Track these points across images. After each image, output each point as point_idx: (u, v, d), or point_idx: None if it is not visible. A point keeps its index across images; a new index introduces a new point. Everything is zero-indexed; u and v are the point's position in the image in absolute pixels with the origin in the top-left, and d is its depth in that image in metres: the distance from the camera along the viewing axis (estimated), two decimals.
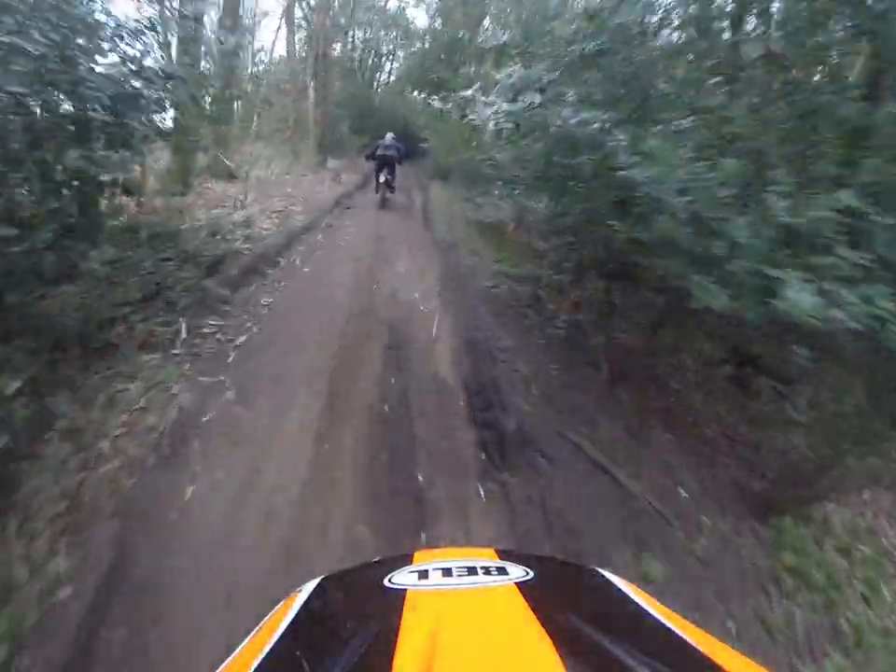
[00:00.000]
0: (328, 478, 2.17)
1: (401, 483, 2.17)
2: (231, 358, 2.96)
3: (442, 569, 0.62)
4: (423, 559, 0.67)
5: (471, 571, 0.61)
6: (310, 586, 0.65)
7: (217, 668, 0.50)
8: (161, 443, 2.19)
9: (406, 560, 0.67)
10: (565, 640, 0.44)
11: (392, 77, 20.52)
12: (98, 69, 2.56)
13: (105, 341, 2.67)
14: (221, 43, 6.75)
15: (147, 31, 3.02)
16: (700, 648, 0.47)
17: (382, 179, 8.37)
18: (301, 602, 0.61)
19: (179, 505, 1.96)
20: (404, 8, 18.03)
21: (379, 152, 8.47)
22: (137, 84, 2.75)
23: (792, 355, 2.21)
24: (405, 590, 0.57)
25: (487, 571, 0.61)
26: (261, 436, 2.33)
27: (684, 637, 0.49)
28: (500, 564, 0.63)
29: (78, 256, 2.44)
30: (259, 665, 0.47)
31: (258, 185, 7.23)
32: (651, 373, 3.25)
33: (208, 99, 6.62)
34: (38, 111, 2.28)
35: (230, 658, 0.52)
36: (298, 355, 3.07)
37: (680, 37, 3.33)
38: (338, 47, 14.81)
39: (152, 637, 1.54)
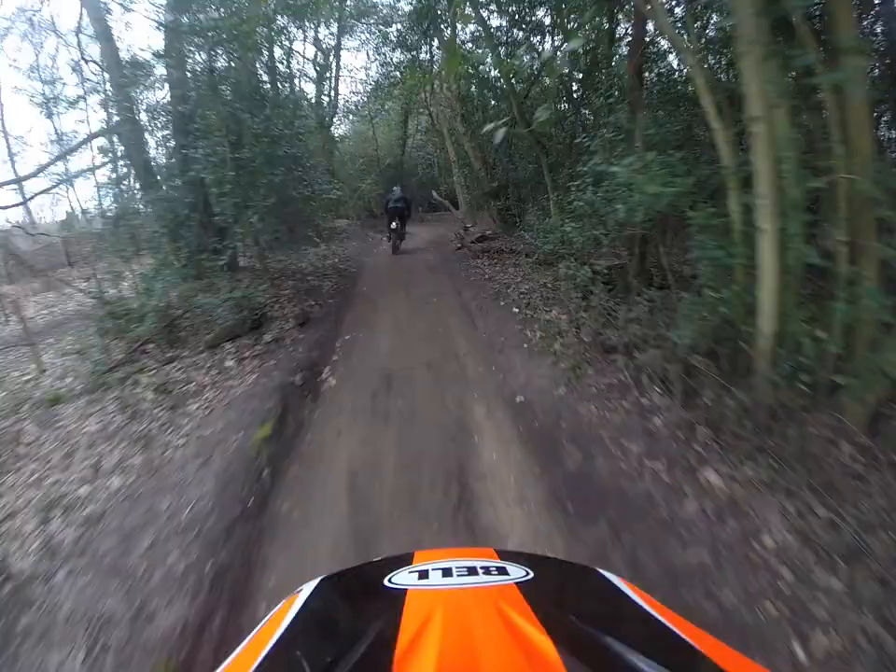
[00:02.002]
0: None
1: None
2: None
3: (442, 569, 0.62)
4: (423, 559, 0.66)
5: (471, 571, 0.61)
6: (310, 586, 0.65)
7: (218, 668, 0.49)
8: None
9: (406, 560, 0.67)
10: (565, 640, 0.43)
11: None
12: None
13: None
14: None
15: None
16: (700, 647, 0.46)
17: (393, 226, 10.39)
18: (301, 602, 0.61)
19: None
20: None
21: (390, 206, 10.57)
22: None
23: None
24: (405, 590, 0.57)
25: (487, 571, 0.61)
26: None
27: (684, 636, 0.49)
28: (500, 564, 0.63)
29: None
30: (258, 665, 0.47)
31: None
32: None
33: None
34: None
35: (230, 658, 0.51)
36: None
37: None
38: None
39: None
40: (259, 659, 0.49)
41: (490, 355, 4.24)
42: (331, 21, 13.02)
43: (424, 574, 0.63)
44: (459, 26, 7.73)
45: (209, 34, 5.58)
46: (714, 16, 4.65)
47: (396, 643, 0.46)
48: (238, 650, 0.55)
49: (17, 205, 7.62)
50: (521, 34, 8.73)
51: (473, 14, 7.09)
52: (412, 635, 0.48)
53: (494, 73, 9.47)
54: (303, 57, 14.74)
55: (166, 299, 4.83)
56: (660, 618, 0.54)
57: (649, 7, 2.97)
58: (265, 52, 8.51)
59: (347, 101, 18.48)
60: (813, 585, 1.88)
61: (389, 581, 0.62)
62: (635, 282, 3.69)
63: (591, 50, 6.97)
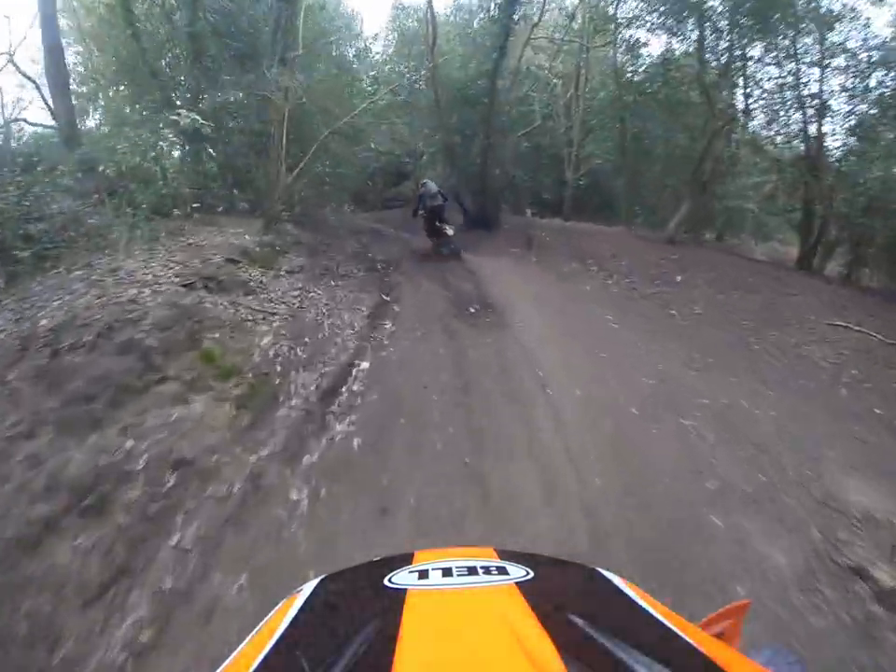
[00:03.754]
0: None
1: None
2: None
3: (442, 569, 0.67)
4: (423, 559, 0.74)
5: (471, 571, 0.66)
6: (310, 586, 0.74)
7: (218, 668, 0.57)
8: None
9: (406, 560, 0.74)
10: (565, 640, 0.47)
11: None
12: None
13: None
14: None
15: None
16: (700, 647, 0.51)
17: (450, 232, 8.77)
18: (301, 602, 0.68)
19: None
20: None
21: (428, 204, 8.67)
22: None
23: None
24: (405, 590, 0.62)
25: (487, 571, 0.66)
26: None
27: (684, 636, 0.53)
28: (500, 564, 0.69)
29: None
30: (258, 665, 0.52)
31: None
32: None
33: None
34: None
35: (230, 658, 0.59)
36: None
37: None
38: None
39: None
40: (259, 659, 0.52)
41: None
42: None
43: (424, 574, 0.65)
44: None
45: None
46: None
47: (396, 643, 0.48)
48: (238, 649, 0.60)
49: None
50: None
51: None
52: (412, 635, 0.50)
53: None
54: None
55: None
56: (660, 618, 0.57)
57: None
58: None
59: None
60: None
61: (389, 580, 0.65)
62: None
63: None
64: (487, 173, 11.41)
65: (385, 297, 6.74)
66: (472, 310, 6.53)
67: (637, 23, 10.72)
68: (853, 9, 8.71)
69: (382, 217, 15.12)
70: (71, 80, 11.24)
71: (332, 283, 6.58)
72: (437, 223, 8.70)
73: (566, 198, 14.32)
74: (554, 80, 13.89)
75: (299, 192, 8.50)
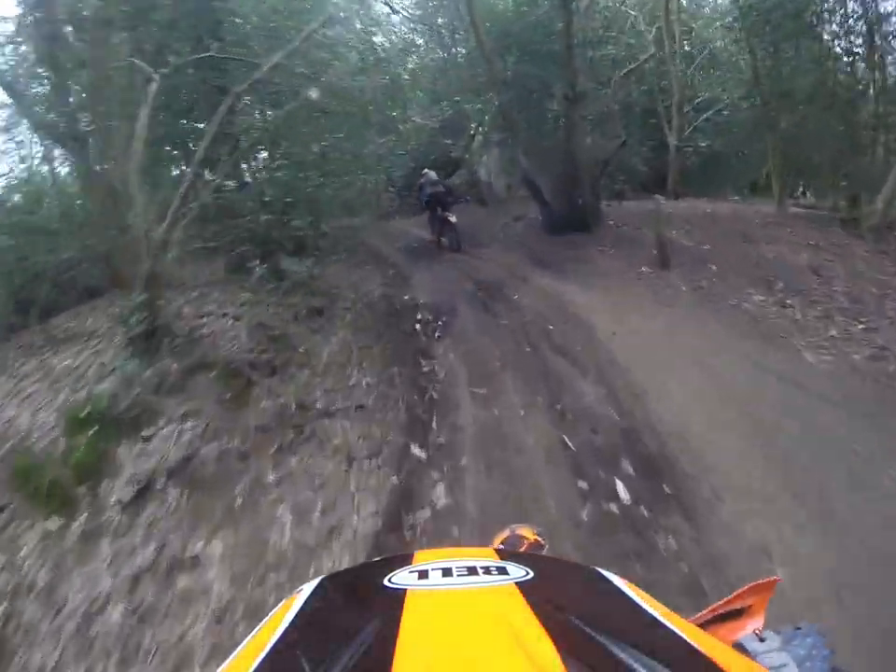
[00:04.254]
0: None
1: None
2: None
3: (442, 569, 0.69)
4: (423, 559, 0.76)
5: (471, 571, 0.67)
6: (310, 586, 0.75)
7: (217, 669, 0.58)
8: None
9: (406, 560, 0.76)
10: (565, 640, 0.47)
11: None
12: None
13: None
14: None
15: None
16: (700, 648, 0.52)
17: (453, 220, 8.60)
18: (301, 602, 0.68)
19: None
20: None
21: (428, 191, 8.78)
22: None
23: None
24: (405, 590, 0.62)
25: (487, 571, 0.67)
26: None
27: (684, 637, 0.54)
28: (500, 564, 0.71)
29: None
30: (258, 665, 0.52)
31: None
32: None
33: None
34: None
35: (229, 658, 0.59)
36: None
37: None
38: None
39: None
40: (259, 659, 0.53)
41: None
42: None
43: (424, 574, 0.66)
44: None
45: None
46: None
47: (395, 643, 0.48)
48: (238, 650, 0.61)
49: None
50: None
51: None
52: (411, 635, 0.50)
53: None
54: None
55: None
56: (661, 619, 0.57)
57: None
58: None
59: None
60: None
61: (389, 580, 0.65)
62: None
63: None
64: (574, 143, 7.49)
65: (418, 449, 3.36)
66: (624, 501, 2.89)
67: None
68: None
69: (422, 221, 10.87)
70: None
71: (273, 469, 3.07)
72: (439, 210, 8.81)
73: (669, 168, 10.50)
74: (632, 13, 9.92)
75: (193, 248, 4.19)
